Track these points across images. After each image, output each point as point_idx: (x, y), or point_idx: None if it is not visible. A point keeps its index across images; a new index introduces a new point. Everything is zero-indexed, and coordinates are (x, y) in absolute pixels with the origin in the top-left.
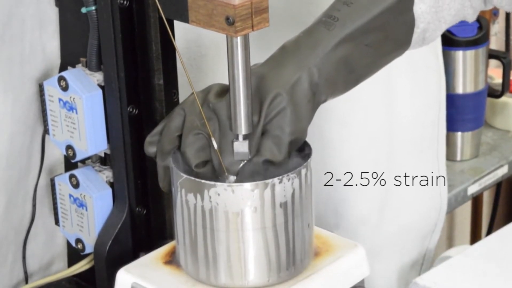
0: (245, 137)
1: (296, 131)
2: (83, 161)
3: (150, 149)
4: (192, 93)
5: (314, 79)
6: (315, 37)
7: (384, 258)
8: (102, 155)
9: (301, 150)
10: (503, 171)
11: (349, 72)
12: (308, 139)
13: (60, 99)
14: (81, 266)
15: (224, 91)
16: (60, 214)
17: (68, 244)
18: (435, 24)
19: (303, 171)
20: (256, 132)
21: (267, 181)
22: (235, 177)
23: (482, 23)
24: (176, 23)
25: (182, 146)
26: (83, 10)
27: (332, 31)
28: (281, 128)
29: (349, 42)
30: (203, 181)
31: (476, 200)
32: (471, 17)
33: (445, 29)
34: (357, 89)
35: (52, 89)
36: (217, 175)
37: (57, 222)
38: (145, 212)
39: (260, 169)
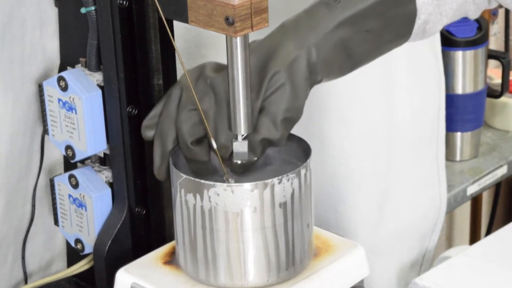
0: (245, 137)
1: (292, 108)
2: (82, 161)
3: (148, 133)
4: (187, 71)
5: (312, 58)
6: (315, 17)
7: (384, 258)
8: (102, 155)
9: (300, 150)
10: (502, 171)
11: (347, 56)
12: (308, 139)
13: (59, 99)
14: (81, 266)
15: (220, 68)
16: (59, 214)
17: (68, 244)
18: (436, 17)
19: (303, 171)
20: (254, 109)
21: (266, 181)
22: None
23: (482, 23)
24: (176, 23)
25: (177, 121)
26: (83, 10)
27: (333, 13)
28: (278, 105)
29: (349, 26)
30: (202, 181)
31: (476, 200)
32: (473, 14)
33: (446, 23)
34: (357, 88)
35: (51, 89)
36: (213, 153)
37: (56, 222)
38: (144, 212)
39: (257, 149)
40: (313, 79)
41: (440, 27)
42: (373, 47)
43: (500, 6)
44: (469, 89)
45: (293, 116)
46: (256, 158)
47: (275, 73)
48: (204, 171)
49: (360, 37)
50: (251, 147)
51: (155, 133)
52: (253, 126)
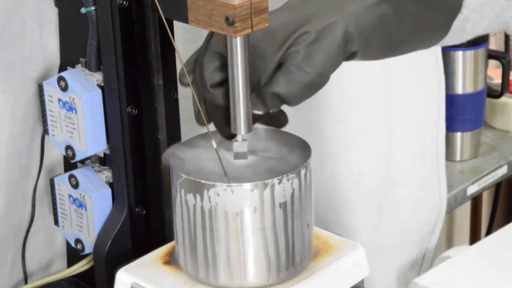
0: (245, 137)
1: (313, 73)
2: (82, 162)
3: (185, 79)
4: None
5: (349, 28)
6: None
7: (384, 258)
8: (102, 155)
9: (300, 150)
10: (502, 171)
11: (386, 35)
12: (307, 139)
13: (59, 99)
14: (81, 266)
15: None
16: (59, 215)
17: (68, 244)
18: (477, 16)
19: (303, 171)
20: (271, 63)
21: (266, 181)
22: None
23: None
24: (176, 23)
25: (202, 62)
26: (83, 10)
27: None
28: (298, 65)
29: (391, 4)
30: (202, 181)
31: (476, 201)
32: None
33: (487, 26)
34: (357, 88)
35: (51, 89)
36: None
37: (56, 222)
38: (144, 212)
39: (267, 100)
40: (348, 49)
41: (479, 30)
42: (411, 32)
43: None
44: (469, 89)
45: (314, 80)
46: (262, 113)
47: (305, 32)
48: (220, 117)
49: (401, 17)
50: (261, 98)
51: (193, 80)
52: (267, 79)
